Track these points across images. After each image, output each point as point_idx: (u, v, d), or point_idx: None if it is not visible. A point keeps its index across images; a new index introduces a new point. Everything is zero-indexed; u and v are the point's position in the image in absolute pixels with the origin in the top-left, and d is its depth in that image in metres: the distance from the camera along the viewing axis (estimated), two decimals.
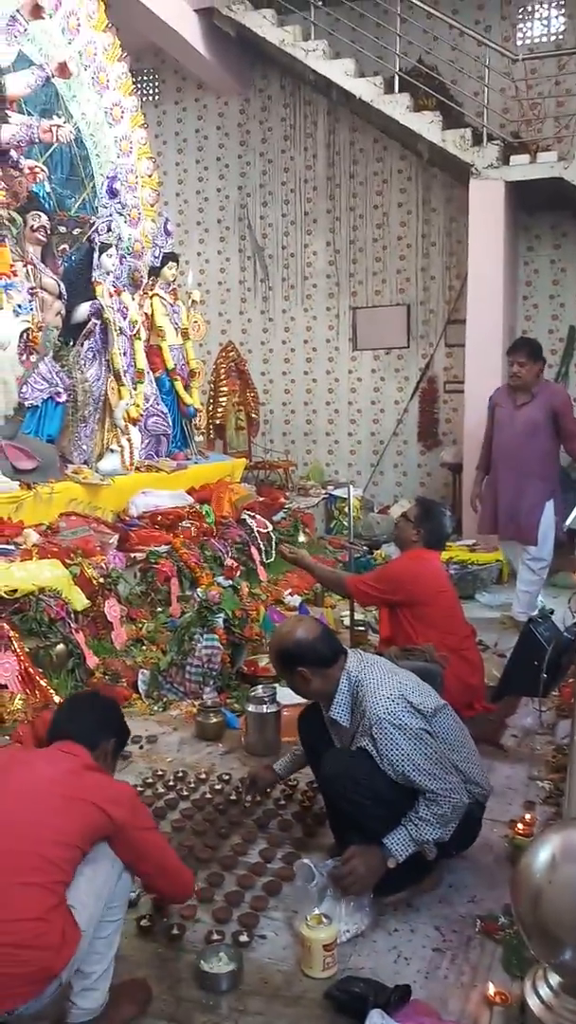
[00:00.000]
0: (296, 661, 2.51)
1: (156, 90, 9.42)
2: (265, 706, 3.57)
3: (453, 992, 2.15)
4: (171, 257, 6.60)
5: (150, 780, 3.31)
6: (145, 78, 9.32)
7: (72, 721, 2.18)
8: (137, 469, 5.89)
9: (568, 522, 4.77)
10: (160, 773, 3.37)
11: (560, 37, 7.97)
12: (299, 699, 2.81)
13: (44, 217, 5.30)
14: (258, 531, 6.05)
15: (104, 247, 5.71)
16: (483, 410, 5.64)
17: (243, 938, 2.33)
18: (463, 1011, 2.08)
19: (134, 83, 6.55)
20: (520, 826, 2.78)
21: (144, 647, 4.44)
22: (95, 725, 2.19)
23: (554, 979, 0.71)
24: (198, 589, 4.67)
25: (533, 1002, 0.71)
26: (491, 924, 2.38)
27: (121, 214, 6.16)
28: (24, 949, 1.72)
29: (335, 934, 2.23)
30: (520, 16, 8.08)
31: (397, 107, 7.38)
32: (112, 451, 5.74)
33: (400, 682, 2.48)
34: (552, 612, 3.27)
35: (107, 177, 6.06)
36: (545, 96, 7.80)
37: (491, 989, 2.11)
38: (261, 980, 2.20)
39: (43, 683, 3.66)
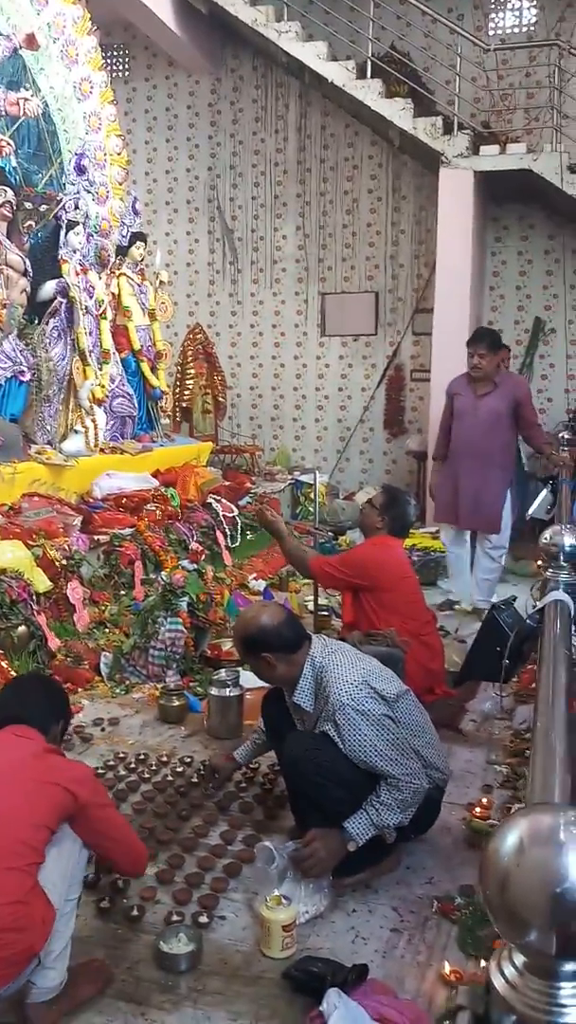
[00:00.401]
0: (260, 647, 2.51)
1: (126, 66, 9.26)
2: (228, 689, 3.58)
3: (409, 971, 2.18)
4: (139, 237, 6.52)
5: (111, 762, 3.30)
6: (115, 53, 9.16)
7: (23, 705, 2.18)
8: (102, 451, 5.84)
9: (530, 511, 4.84)
10: (122, 755, 3.36)
11: (531, 29, 8.00)
12: (262, 683, 2.82)
13: (10, 192, 5.19)
14: (223, 515, 6.04)
15: (71, 225, 5.63)
16: None
17: (203, 919, 2.34)
18: (419, 989, 2.11)
19: (104, 58, 6.44)
20: (478, 809, 2.83)
21: (107, 630, 4.42)
22: (44, 708, 2.20)
23: (519, 959, 0.72)
24: (162, 572, 4.65)
25: (498, 982, 0.72)
26: (447, 905, 2.42)
27: (89, 192, 6.07)
28: (7, 932, 1.75)
29: (294, 915, 2.25)
30: (493, 6, 8.09)
31: (369, 93, 7.35)
32: (76, 432, 5.68)
33: (363, 668, 2.49)
34: (515, 599, 3.31)
35: (75, 154, 5.96)
36: (516, 87, 7.83)
37: (447, 968, 2.15)
38: (220, 960, 2.22)
39: (4, 664, 3.63)
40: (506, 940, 0.74)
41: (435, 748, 2.62)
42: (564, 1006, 0.71)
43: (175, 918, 2.33)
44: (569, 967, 0.71)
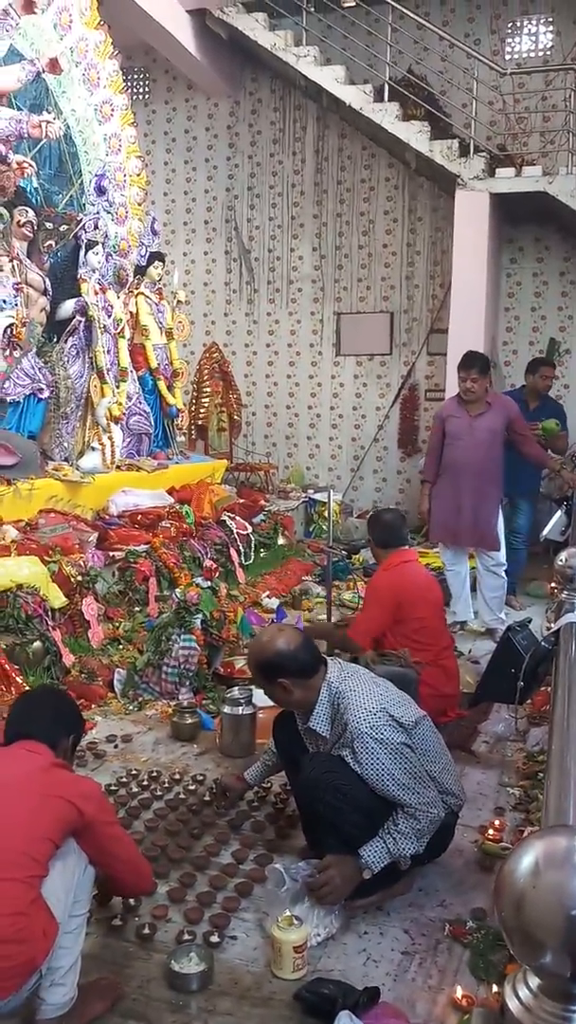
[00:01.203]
0: (276, 672, 2.48)
1: (146, 89, 9.40)
2: (241, 708, 3.57)
3: (421, 995, 2.16)
4: (157, 256, 6.60)
5: (124, 779, 3.29)
6: (136, 76, 9.31)
7: (32, 720, 2.18)
8: (118, 468, 5.88)
9: (545, 532, 4.83)
10: (134, 772, 3.36)
11: (548, 53, 8.07)
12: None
13: (31, 212, 5.28)
14: (238, 533, 6.05)
15: (90, 244, 5.70)
16: None
17: (214, 939, 2.33)
18: (430, 1013, 2.10)
19: (124, 81, 6.54)
20: (490, 832, 2.81)
21: (121, 646, 4.43)
22: (55, 723, 2.20)
23: (534, 982, 0.72)
24: (176, 589, 4.67)
25: (513, 1004, 0.72)
26: (459, 928, 2.40)
27: (108, 212, 6.15)
28: (7, 944, 1.75)
29: (306, 936, 2.23)
30: (509, 31, 8.17)
31: (386, 116, 7.43)
32: (93, 449, 5.73)
33: (381, 695, 2.47)
34: (530, 621, 3.31)
35: (95, 175, 6.05)
36: (532, 111, 7.89)
37: (458, 992, 2.13)
38: (231, 980, 2.21)
39: (19, 680, 3.64)
40: (521, 962, 0.74)
41: (451, 774, 2.61)
42: None
43: (186, 937, 2.32)
44: None
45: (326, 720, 2.48)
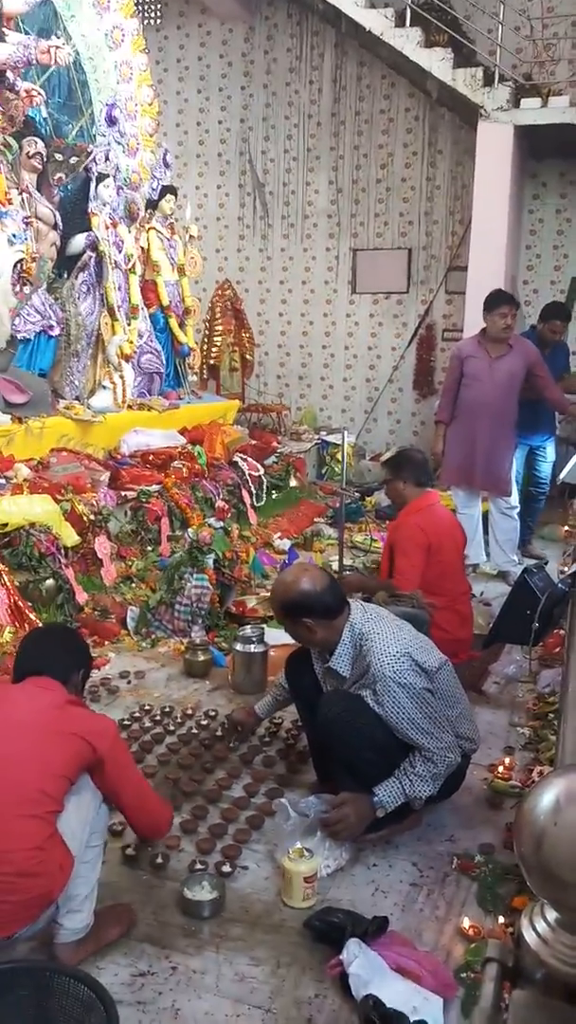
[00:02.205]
0: (302, 612, 2.48)
1: (158, 14, 9.06)
2: (252, 645, 3.61)
3: (428, 925, 2.22)
4: (169, 190, 6.45)
5: (137, 714, 3.35)
6: (147, 1, 8.97)
7: (43, 657, 2.19)
8: (129, 407, 5.84)
9: (562, 475, 4.79)
10: (147, 708, 3.41)
11: None
12: (287, 640, 2.83)
13: (40, 143, 5.14)
14: (249, 474, 6.04)
15: (101, 177, 5.56)
16: None
17: (226, 868, 2.38)
18: (437, 943, 2.15)
19: (135, 5, 6.30)
20: (500, 770, 2.85)
21: (134, 585, 4.46)
22: (64, 658, 2.21)
23: (551, 915, 0.73)
24: (189, 529, 4.68)
25: (530, 936, 0.73)
26: (467, 862, 2.44)
27: (119, 143, 6.00)
28: (25, 877, 1.79)
29: (316, 867, 2.28)
30: None
31: (407, 42, 7.15)
32: (104, 388, 5.69)
33: (405, 639, 2.47)
34: (547, 563, 3.29)
35: (106, 104, 5.88)
36: (561, 37, 7.57)
37: (465, 922, 2.18)
38: (242, 908, 2.26)
39: (32, 617, 3.68)
40: (539, 896, 0.74)
41: (468, 718, 2.63)
42: None
43: (198, 867, 2.38)
44: None
45: (347, 661, 2.49)
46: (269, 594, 2.55)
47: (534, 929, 0.74)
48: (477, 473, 5.25)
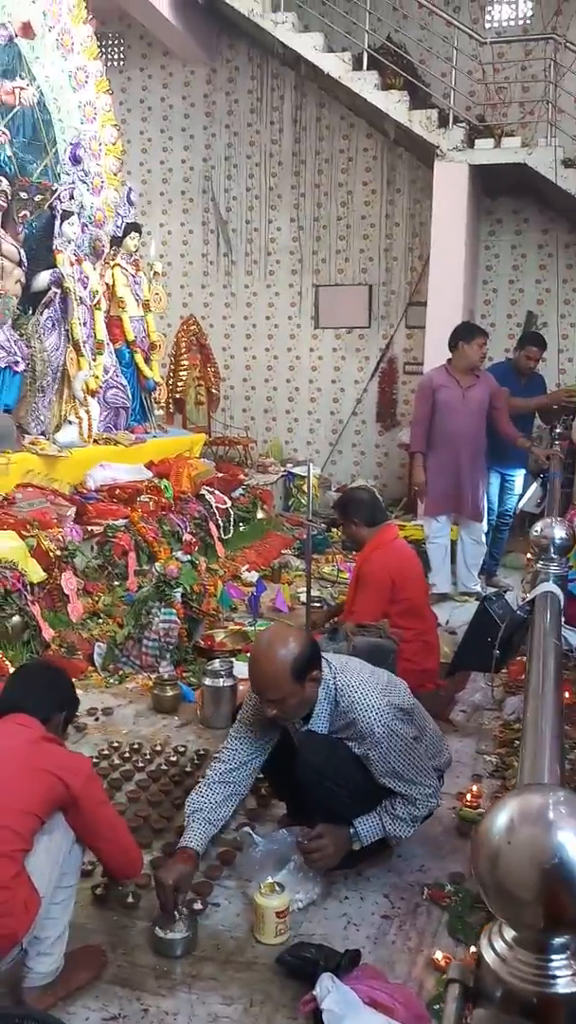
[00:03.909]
0: (309, 668, 2.31)
1: (121, 55, 9.23)
2: (221, 679, 3.60)
3: (400, 956, 2.22)
4: (134, 227, 6.52)
5: (106, 752, 3.32)
6: (110, 42, 9.12)
7: (25, 695, 2.19)
8: (95, 442, 5.84)
9: (520, 504, 4.90)
10: (116, 745, 3.39)
11: (527, 22, 8.01)
12: None
13: (4, 182, 5.19)
14: (217, 507, 6.06)
15: (66, 215, 5.62)
16: None
17: (197, 906, 2.36)
18: (410, 974, 2.15)
19: (99, 47, 6.41)
20: (468, 798, 2.87)
21: (101, 620, 4.44)
22: (47, 697, 2.20)
23: (509, 934, 0.76)
24: (156, 563, 4.67)
25: (489, 955, 0.76)
26: (437, 892, 2.45)
27: (84, 181, 6.06)
28: None
29: (287, 902, 2.28)
30: None
31: (365, 85, 7.35)
32: (70, 423, 5.69)
33: (379, 685, 2.43)
34: (510, 589, 3.35)
35: (70, 143, 5.95)
36: (511, 81, 7.83)
37: (437, 953, 2.19)
38: (214, 946, 2.25)
39: None
40: (497, 915, 0.77)
41: (440, 749, 2.64)
42: (553, 977, 0.74)
43: None
44: (557, 940, 0.75)
45: (325, 719, 2.41)
46: (255, 674, 2.34)
47: (492, 948, 0.77)
48: (464, 501, 5.42)
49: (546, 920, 0.73)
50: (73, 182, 5.82)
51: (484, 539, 5.54)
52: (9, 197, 5.27)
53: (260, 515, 6.82)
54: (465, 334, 5.35)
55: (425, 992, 2.08)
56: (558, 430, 5.43)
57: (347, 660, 2.55)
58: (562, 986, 0.74)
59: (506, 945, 0.77)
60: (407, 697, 2.52)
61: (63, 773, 1.97)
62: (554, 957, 0.75)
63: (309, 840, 2.39)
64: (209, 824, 2.44)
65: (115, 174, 6.56)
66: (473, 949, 2.19)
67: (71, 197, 5.72)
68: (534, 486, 5.12)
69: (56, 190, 5.73)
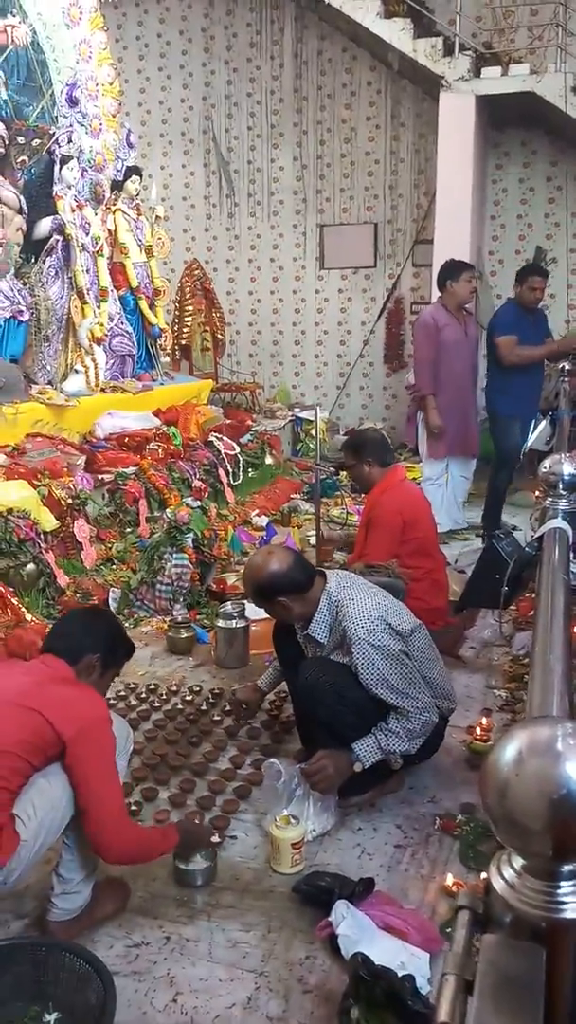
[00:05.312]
0: (275, 592, 2.53)
1: None
2: (234, 621, 3.64)
3: (413, 884, 2.26)
4: (134, 170, 6.36)
5: (123, 693, 3.37)
6: None
7: (57, 635, 2.15)
8: (102, 390, 5.79)
9: (528, 442, 4.84)
10: (132, 686, 3.44)
11: None
12: (268, 616, 2.85)
13: (2, 126, 5.05)
14: (225, 453, 6.03)
15: (65, 159, 5.47)
16: None
17: (215, 839, 2.41)
18: (423, 900, 2.20)
19: None
20: (478, 731, 2.90)
21: (114, 566, 4.46)
22: (77, 638, 2.11)
23: (518, 862, 0.77)
24: (167, 510, 4.68)
25: (498, 883, 0.77)
26: (449, 821, 2.49)
27: (82, 124, 5.89)
28: None
29: (303, 833, 2.32)
30: None
31: (367, 13, 7.07)
32: (77, 371, 5.63)
33: (379, 603, 2.52)
34: (516, 528, 3.33)
35: (66, 84, 5.76)
36: (519, 3, 7.51)
37: (449, 880, 2.23)
38: (233, 876, 2.30)
39: (14, 602, 3.67)
40: (506, 845, 0.77)
41: (444, 679, 2.69)
42: (561, 903, 0.75)
43: None
44: (566, 867, 0.75)
45: (325, 627, 2.54)
46: (243, 580, 2.59)
47: (502, 876, 0.77)
48: (471, 439, 5.46)
49: (555, 849, 0.73)
50: (71, 125, 5.66)
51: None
52: (7, 142, 5.13)
53: (268, 460, 6.79)
54: (452, 272, 5.23)
55: (437, 917, 2.13)
56: (567, 367, 5.33)
57: (355, 579, 2.64)
58: (570, 912, 0.75)
59: (515, 873, 0.77)
60: (407, 622, 2.56)
61: (54, 718, 1.85)
62: (562, 884, 0.76)
63: (310, 765, 2.44)
64: (277, 671, 2.94)
65: (113, 115, 6.37)
66: (483, 876, 2.23)
67: (69, 140, 5.56)
68: (543, 423, 5.05)
69: (54, 133, 5.57)
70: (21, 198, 5.20)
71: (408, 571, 3.39)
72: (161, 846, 2.07)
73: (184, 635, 3.82)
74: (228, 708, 3.18)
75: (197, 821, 2.50)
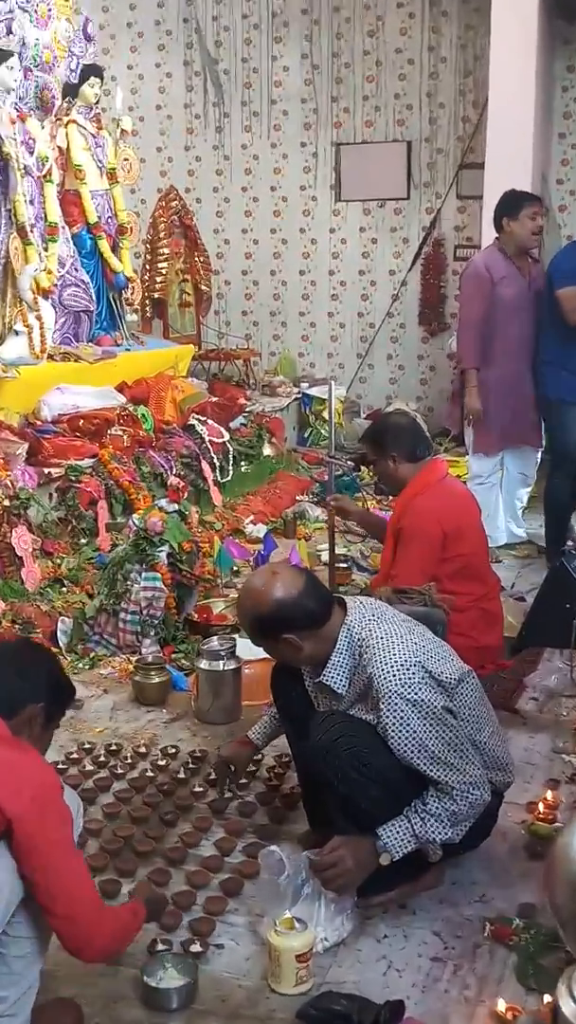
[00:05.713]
0: (280, 627, 2.49)
1: None
2: (221, 662, 3.64)
3: (456, 1009, 2.26)
4: (93, 71, 6.40)
5: (75, 755, 3.37)
6: None
7: None
8: (50, 357, 5.82)
9: None
10: (88, 746, 3.44)
11: None
12: (266, 654, 2.86)
13: None
14: (211, 441, 6.05)
15: (3, 55, 5.51)
16: None
17: (195, 947, 2.41)
18: None
19: None
20: (541, 809, 2.90)
21: (64, 589, 4.48)
22: (12, 684, 2.12)
23: None
24: (134, 515, 4.68)
25: (568, 1007, 0.77)
26: (502, 928, 2.49)
27: (24, 10, 5.92)
28: None
29: (310, 942, 2.32)
30: None
31: None
32: (17, 333, 5.65)
33: (416, 644, 2.50)
34: None
35: None
36: None
37: (501, 1005, 2.22)
38: (218, 997, 2.30)
39: None
40: None
41: (499, 744, 2.67)
42: None
43: (161, 947, 2.40)
44: None
45: (344, 674, 2.51)
46: (237, 610, 2.55)
47: (572, 997, 0.78)
48: (528, 430, 5.45)
49: None
50: (11, 11, 5.70)
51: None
52: None
53: (267, 451, 6.81)
54: (510, 206, 5.23)
55: None
56: None
57: (384, 609, 2.63)
58: None
59: None
60: (453, 669, 2.55)
61: None
62: None
63: (323, 855, 2.43)
64: (275, 720, 2.93)
65: (66, 1, 6.41)
66: (548, 999, 2.23)
67: (9, 32, 5.61)
68: None
69: None
70: None
71: (449, 597, 3.40)
72: (135, 927, 2.19)
73: (155, 680, 3.82)
74: (213, 776, 3.17)
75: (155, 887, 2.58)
